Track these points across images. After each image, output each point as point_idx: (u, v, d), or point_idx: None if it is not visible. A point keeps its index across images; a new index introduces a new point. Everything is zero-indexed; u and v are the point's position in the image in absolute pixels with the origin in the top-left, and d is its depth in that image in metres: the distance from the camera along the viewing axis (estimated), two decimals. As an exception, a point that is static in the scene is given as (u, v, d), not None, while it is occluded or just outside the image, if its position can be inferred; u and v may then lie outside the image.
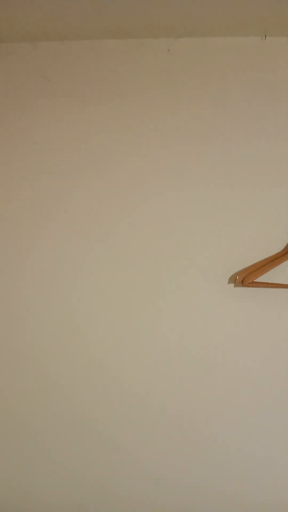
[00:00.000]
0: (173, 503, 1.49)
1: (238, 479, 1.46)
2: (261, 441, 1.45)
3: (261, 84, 1.49)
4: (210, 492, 1.47)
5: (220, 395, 1.46)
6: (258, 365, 1.45)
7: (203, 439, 1.46)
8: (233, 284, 1.46)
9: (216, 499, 1.47)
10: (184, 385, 1.47)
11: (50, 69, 1.54)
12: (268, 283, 1.43)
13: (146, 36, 1.51)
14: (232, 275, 1.46)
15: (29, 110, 1.54)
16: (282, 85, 1.49)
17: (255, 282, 1.43)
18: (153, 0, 1.34)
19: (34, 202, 1.53)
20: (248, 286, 1.44)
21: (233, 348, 1.46)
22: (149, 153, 1.50)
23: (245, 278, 1.43)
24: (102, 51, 1.53)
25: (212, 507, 1.47)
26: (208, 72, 1.51)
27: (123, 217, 1.50)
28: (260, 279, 1.44)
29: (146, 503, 1.49)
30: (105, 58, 1.53)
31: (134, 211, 1.50)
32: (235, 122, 1.49)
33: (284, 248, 1.46)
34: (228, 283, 1.47)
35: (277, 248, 1.46)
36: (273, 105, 1.49)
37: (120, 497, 1.50)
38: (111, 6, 1.37)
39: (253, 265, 1.45)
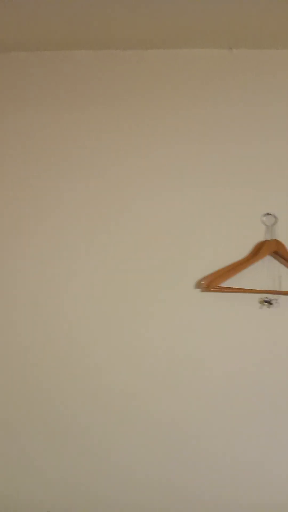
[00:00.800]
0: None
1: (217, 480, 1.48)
2: (230, 441, 1.47)
3: (228, 94, 1.55)
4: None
5: (188, 396, 1.47)
6: (224, 366, 1.47)
7: (177, 439, 1.49)
8: (199, 289, 1.49)
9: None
10: (151, 387, 1.48)
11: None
12: (233, 287, 1.46)
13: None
14: (199, 280, 1.49)
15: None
16: (248, 96, 1.54)
17: (220, 287, 1.46)
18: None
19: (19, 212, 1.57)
20: (214, 291, 1.47)
21: (200, 352, 1.48)
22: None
23: (211, 283, 1.46)
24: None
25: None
26: (175, 83, 1.56)
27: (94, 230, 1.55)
28: (226, 283, 1.47)
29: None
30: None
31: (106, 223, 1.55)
32: (199, 128, 1.54)
33: (249, 253, 1.49)
34: (195, 288, 1.50)
35: (243, 253, 1.50)
36: (238, 116, 1.54)
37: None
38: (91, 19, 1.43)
39: (218, 271, 1.47)
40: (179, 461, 1.47)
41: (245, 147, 1.53)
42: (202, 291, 1.49)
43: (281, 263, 1.47)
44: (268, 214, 1.51)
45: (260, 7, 1.35)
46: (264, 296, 1.46)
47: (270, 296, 1.45)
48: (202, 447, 1.46)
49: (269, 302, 1.45)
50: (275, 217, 1.50)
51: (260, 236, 1.50)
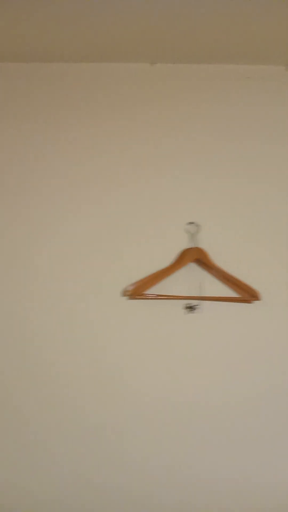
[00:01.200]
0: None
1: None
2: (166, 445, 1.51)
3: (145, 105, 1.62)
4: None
5: (114, 403, 1.49)
6: (151, 371, 1.50)
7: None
8: (126, 297, 1.52)
9: None
10: (77, 396, 1.49)
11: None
12: (158, 295, 1.50)
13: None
14: (125, 288, 1.52)
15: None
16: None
17: (146, 294, 1.50)
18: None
19: None
20: (139, 298, 1.51)
21: (127, 358, 1.50)
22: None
23: (136, 290, 1.49)
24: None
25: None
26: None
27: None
28: (152, 291, 1.51)
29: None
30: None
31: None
32: (118, 139, 1.59)
33: (173, 261, 1.54)
34: (122, 296, 1.53)
35: (168, 261, 1.54)
36: (156, 125, 1.60)
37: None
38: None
39: (144, 278, 1.51)
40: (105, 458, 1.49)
41: (167, 156, 1.59)
42: (129, 298, 1.52)
43: (204, 269, 1.53)
44: (191, 223, 1.56)
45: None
46: (187, 302, 1.51)
47: (193, 302, 1.50)
48: (128, 450, 1.49)
49: (191, 308, 1.50)
50: (197, 225, 1.56)
51: (183, 244, 1.55)
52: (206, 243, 1.54)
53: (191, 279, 1.52)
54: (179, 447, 1.49)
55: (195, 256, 1.51)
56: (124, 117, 1.60)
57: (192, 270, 1.53)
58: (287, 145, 1.61)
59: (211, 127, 1.61)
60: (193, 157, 1.60)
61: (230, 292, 1.53)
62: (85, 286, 1.53)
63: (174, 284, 1.52)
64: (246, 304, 1.52)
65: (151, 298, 1.51)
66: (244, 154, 1.61)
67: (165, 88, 1.62)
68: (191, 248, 1.53)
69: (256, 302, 1.50)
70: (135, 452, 1.48)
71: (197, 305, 1.50)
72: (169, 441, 1.49)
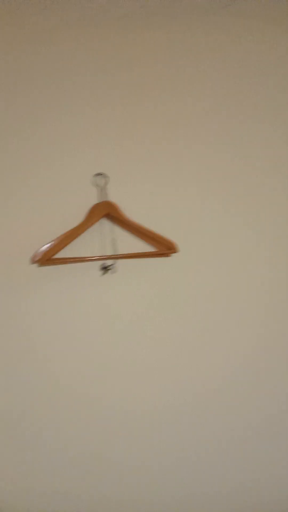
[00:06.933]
0: None
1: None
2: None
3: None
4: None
5: (31, 382, 1.40)
6: (69, 342, 1.41)
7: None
8: (35, 264, 1.39)
9: None
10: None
11: None
12: (68, 258, 1.37)
13: None
14: (33, 255, 1.39)
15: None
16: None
17: (56, 258, 1.37)
18: None
19: None
20: (49, 264, 1.38)
21: (40, 333, 1.39)
22: None
23: (44, 255, 1.35)
24: None
25: None
26: None
27: None
28: (64, 254, 1.38)
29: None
30: None
31: None
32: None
33: (84, 218, 1.40)
34: (31, 263, 1.40)
35: (78, 220, 1.41)
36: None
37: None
38: None
39: (52, 242, 1.37)
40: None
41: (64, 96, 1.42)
42: (38, 265, 1.39)
43: (116, 225, 1.41)
44: (99, 174, 1.42)
45: None
46: (101, 263, 1.39)
47: (107, 262, 1.39)
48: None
49: (106, 268, 1.39)
50: (106, 177, 1.41)
51: (93, 199, 1.41)
52: (115, 197, 1.40)
53: (103, 237, 1.40)
54: (108, 434, 1.43)
55: (105, 211, 1.38)
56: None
57: (103, 228, 1.41)
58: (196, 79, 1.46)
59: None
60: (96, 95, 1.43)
61: (145, 247, 1.42)
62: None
63: (87, 244, 1.40)
64: (164, 258, 1.42)
65: (62, 263, 1.38)
66: (150, 93, 1.45)
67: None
68: (99, 202, 1.39)
69: (174, 255, 1.40)
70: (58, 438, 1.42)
71: (112, 265, 1.39)
72: (91, 426, 1.42)
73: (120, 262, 1.40)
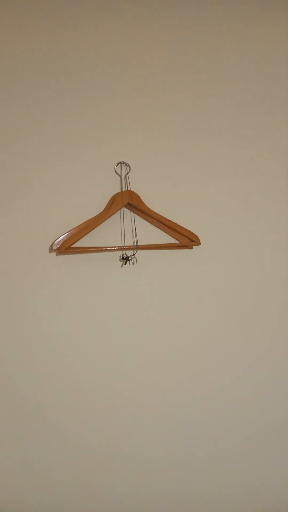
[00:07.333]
0: None
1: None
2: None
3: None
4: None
5: (50, 371, 1.36)
6: (88, 333, 1.38)
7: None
8: (54, 253, 1.37)
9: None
10: (13, 364, 1.37)
11: None
12: (87, 247, 1.34)
13: None
14: (52, 243, 1.36)
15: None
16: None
17: (75, 247, 1.34)
18: None
19: None
20: (68, 253, 1.36)
21: (59, 323, 1.36)
22: None
23: (64, 244, 1.33)
24: None
25: None
26: None
27: None
28: (83, 243, 1.35)
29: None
30: None
31: None
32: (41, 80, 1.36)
33: (105, 208, 1.37)
34: (50, 252, 1.37)
35: (100, 209, 1.38)
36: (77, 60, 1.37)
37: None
38: None
39: (71, 231, 1.34)
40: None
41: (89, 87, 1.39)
42: (57, 254, 1.37)
43: (138, 215, 1.38)
44: (121, 162, 1.39)
45: None
46: (121, 253, 1.36)
47: (128, 253, 1.36)
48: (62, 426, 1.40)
49: (127, 259, 1.36)
50: (128, 165, 1.38)
51: (115, 188, 1.38)
52: (136, 187, 1.37)
53: (124, 227, 1.37)
54: (125, 419, 1.40)
55: (127, 200, 1.35)
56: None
57: (125, 217, 1.37)
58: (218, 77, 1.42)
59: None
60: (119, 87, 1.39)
61: (167, 239, 1.39)
62: (8, 244, 1.36)
63: (107, 233, 1.37)
64: (186, 250, 1.38)
65: (81, 252, 1.35)
66: (174, 88, 1.41)
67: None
68: (121, 192, 1.36)
69: (195, 247, 1.36)
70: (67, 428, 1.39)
71: (133, 255, 1.36)
72: (110, 412, 1.40)
73: (140, 253, 1.37)
